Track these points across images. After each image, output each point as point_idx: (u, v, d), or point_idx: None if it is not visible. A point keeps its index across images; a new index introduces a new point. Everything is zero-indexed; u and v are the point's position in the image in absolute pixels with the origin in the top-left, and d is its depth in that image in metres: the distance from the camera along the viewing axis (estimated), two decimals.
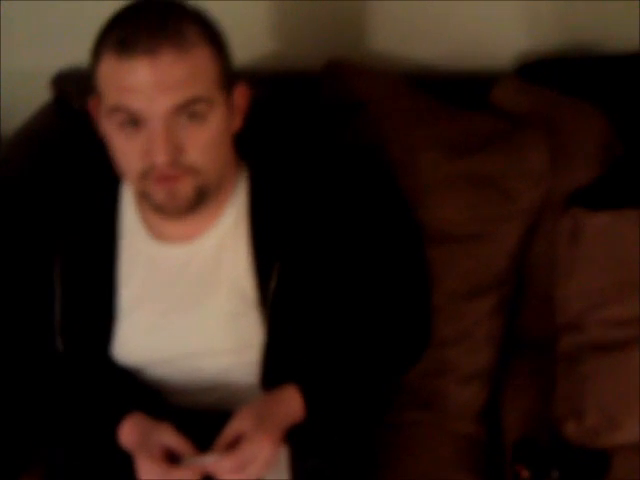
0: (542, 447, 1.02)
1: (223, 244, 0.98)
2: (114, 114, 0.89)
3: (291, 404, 0.94)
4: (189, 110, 0.87)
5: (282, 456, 0.94)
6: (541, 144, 1.09)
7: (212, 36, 0.90)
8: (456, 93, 1.22)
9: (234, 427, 0.90)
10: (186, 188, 0.91)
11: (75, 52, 1.40)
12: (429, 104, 1.18)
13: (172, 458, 0.90)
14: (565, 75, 1.19)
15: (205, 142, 0.90)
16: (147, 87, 0.85)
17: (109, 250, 1.00)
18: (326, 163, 1.02)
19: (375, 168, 1.07)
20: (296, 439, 0.95)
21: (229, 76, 0.92)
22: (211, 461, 0.89)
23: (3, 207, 1.15)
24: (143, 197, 0.94)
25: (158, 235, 1.00)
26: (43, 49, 1.42)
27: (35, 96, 1.42)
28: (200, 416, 1.00)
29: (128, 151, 0.90)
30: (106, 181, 1.02)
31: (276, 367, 0.99)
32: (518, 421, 1.09)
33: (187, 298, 0.99)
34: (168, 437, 0.90)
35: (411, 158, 1.12)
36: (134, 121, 0.88)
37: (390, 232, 1.03)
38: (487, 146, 1.11)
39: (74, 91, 1.38)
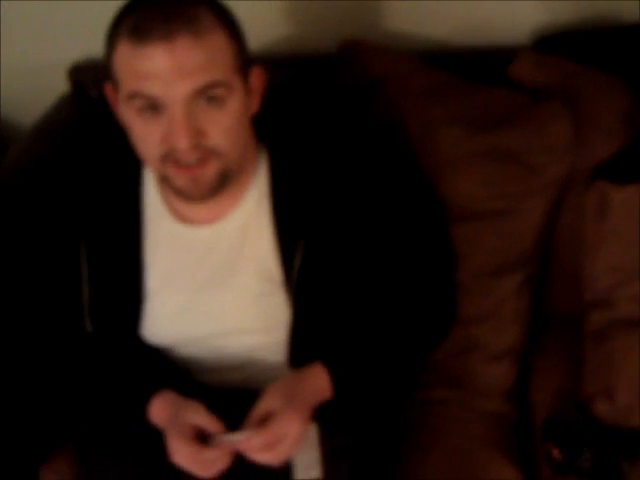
0: (573, 426, 1.00)
1: (247, 225, 0.98)
2: (132, 100, 0.88)
3: (318, 382, 0.94)
4: (208, 94, 0.87)
5: (311, 434, 0.93)
6: (564, 117, 1.06)
7: (227, 21, 0.89)
8: (473, 69, 1.20)
9: (263, 405, 0.90)
10: (209, 172, 0.90)
11: (91, 43, 1.41)
12: (447, 80, 1.16)
13: (202, 437, 0.90)
14: (584, 47, 1.16)
15: (225, 125, 0.89)
16: (164, 73, 0.85)
17: (134, 233, 1.00)
18: (346, 142, 1.01)
19: (395, 146, 1.06)
20: (324, 417, 0.94)
21: (245, 60, 0.92)
22: (241, 439, 0.88)
23: (28, 195, 1.16)
24: (164, 181, 0.93)
25: (182, 218, 1.00)
26: (59, 41, 1.42)
27: (53, 88, 1.42)
28: (228, 394, 1.01)
29: (147, 136, 0.90)
30: (128, 166, 1.01)
31: (303, 345, 0.99)
32: (547, 399, 1.07)
33: (213, 279, 0.99)
34: (198, 416, 0.90)
35: (431, 135, 1.10)
36: (153, 106, 0.87)
37: (412, 210, 1.02)
38: (508, 120, 1.08)
39: (91, 81, 1.39)
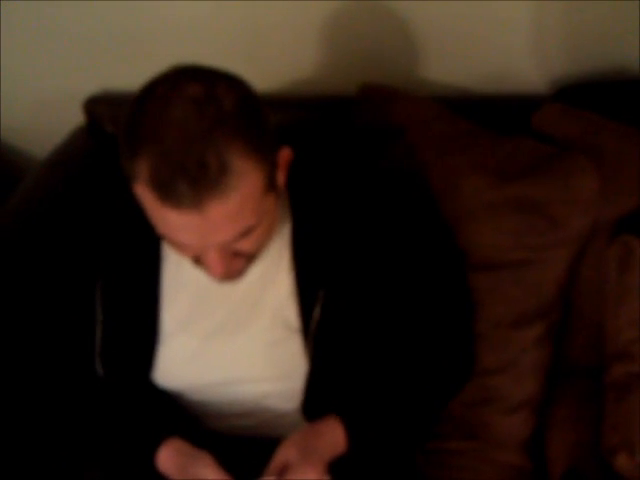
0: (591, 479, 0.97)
1: (267, 272, 0.95)
2: (161, 236, 0.84)
3: (334, 436, 0.90)
4: (241, 236, 0.82)
5: None
6: (589, 170, 1.04)
7: (255, 141, 0.78)
8: (492, 118, 1.17)
9: (279, 458, 0.87)
10: (240, 267, 0.88)
11: (107, 76, 1.40)
12: (467, 128, 1.14)
13: None
14: (603, 99, 1.14)
15: (256, 240, 0.85)
16: (196, 229, 0.79)
17: (152, 273, 0.96)
18: (367, 191, 0.97)
19: (416, 195, 1.03)
20: (338, 469, 0.90)
21: (274, 164, 0.83)
22: None
23: (41, 230, 1.13)
24: (194, 264, 0.89)
25: None
26: (75, 74, 1.41)
27: (68, 121, 1.40)
28: (238, 442, 0.97)
29: (178, 250, 0.86)
30: None
31: (318, 394, 0.95)
32: (564, 452, 1.03)
33: (230, 324, 0.96)
34: (208, 470, 0.86)
35: (453, 184, 1.08)
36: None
37: (432, 261, 0.99)
38: (532, 171, 1.06)
39: (106, 115, 1.38)
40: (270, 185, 0.83)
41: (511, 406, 1.07)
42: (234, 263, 0.86)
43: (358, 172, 1.00)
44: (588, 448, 1.02)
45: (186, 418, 1.00)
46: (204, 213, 0.76)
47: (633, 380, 0.98)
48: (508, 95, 1.25)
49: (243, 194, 0.78)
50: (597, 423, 1.01)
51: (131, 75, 1.37)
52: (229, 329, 0.96)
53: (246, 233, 0.82)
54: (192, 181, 0.75)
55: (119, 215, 0.99)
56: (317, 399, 0.95)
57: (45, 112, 1.46)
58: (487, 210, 1.06)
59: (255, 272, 0.94)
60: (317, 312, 0.93)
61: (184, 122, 0.75)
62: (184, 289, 0.96)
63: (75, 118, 1.39)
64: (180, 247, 0.84)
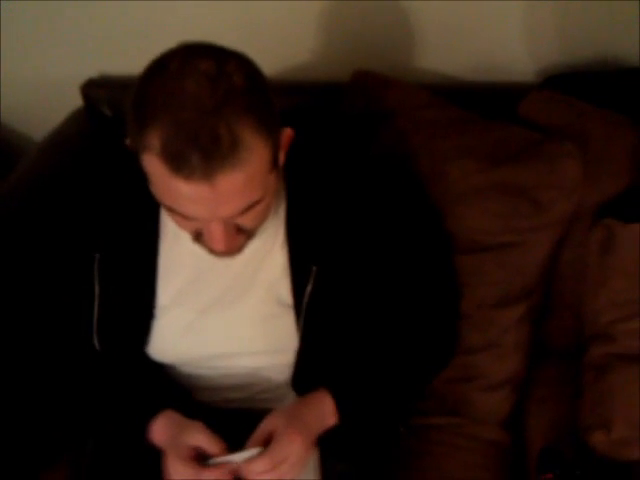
0: (567, 457, 0.99)
1: (262, 249, 0.95)
2: (167, 208, 0.84)
3: (324, 409, 0.91)
4: (246, 209, 0.83)
5: (313, 460, 0.90)
6: (575, 155, 1.05)
7: (265, 119, 0.79)
8: (481, 105, 1.18)
9: (266, 426, 0.88)
10: (240, 242, 0.88)
11: (105, 60, 1.41)
12: (457, 114, 1.15)
13: (202, 458, 0.86)
14: (591, 88, 1.15)
15: (259, 214, 0.86)
16: (204, 201, 0.79)
17: (149, 248, 0.97)
18: (358, 173, 0.99)
19: (404, 178, 1.04)
20: (325, 443, 0.91)
21: (278, 141, 0.84)
22: (240, 459, 0.85)
23: (39, 208, 1.14)
24: (194, 242, 0.90)
25: None
26: (73, 57, 1.41)
27: (66, 103, 1.40)
28: (230, 414, 0.98)
29: (180, 223, 0.86)
30: (146, 184, 0.99)
31: (309, 369, 0.96)
32: (543, 429, 1.05)
33: (224, 299, 0.96)
34: (199, 437, 0.87)
35: (441, 168, 1.09)
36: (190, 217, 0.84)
37: (419, 242, 1.01)
38: (519, 156, 1.07)
39: (104, 98, 1.38)
40: (274, 162, 0.84)
41: (492, 384, 1.09)
42: (235, 238, 0.86)
43: (349, 155, 1.01)
44: (565, 426, 1.03)
45: (179, 390, 1.00)
46: (214, 185, 0.77)
47: (611, 360, 1.00)
48: (498, 83, 1.26)
49: (252, 168, 0.78)
50: (575, 402, 1.03)
51: (129, 59, 1.37)
52: (224, 303, 0.96)
53: (251, 207, 0.82)
54: (204, 153, 0.75)
55: (117, 192, 1.00)
56: (307, 373, 0.96)
57: (44, 95, 1.46)
58: (474, 194, 1.07)
59: (250, 248, 0.95)
60: (309, 288, 0.94)
61: (198, 95, 0.76)
62: (180, 264, 0.97)
63: (73, 101, 1.39)
64: (184, 220, 0.84)
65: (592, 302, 1.03)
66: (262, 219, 0.89)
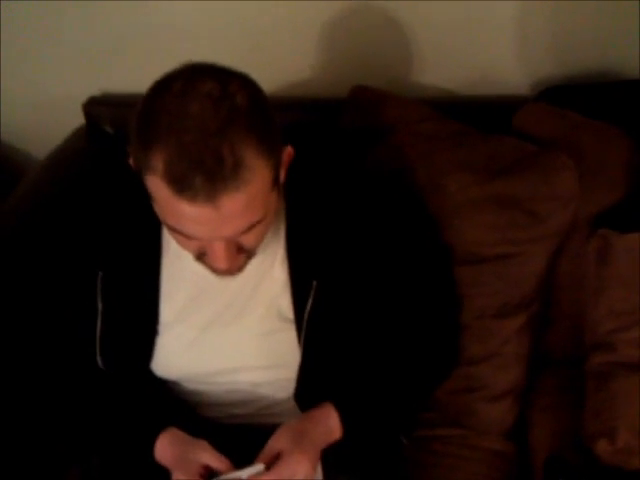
0: (574, 466, 0.98)
1: (262, 265, 0.96)
2: (170, 228, 0.84)
3: (329, 423, 0.91)
4: (248, 229, 0.83)
5: (318, 474, 0.90)
6: (570, 167, 1.06)
7: (266, 140, 0.79)
8: (478, 118, 1.19)
9: (273, 444, 0.88)
10: (241, 262, 0.89)
11: (107, 78, 1.41)
12: (454, 128, 1.16)
13: (209, 476, 0.87)
14: (585, 100, 1.16)
15: (260, 234, 0.87)
16: (208, 222, 0.79)
17: (152, 266, 0.97)
18: (356, 188, 0.99)
19: (402, 192, 1.04)
20: (329, 456, 0.91)
21: (279, 161, 0.84)
22: (246, 475, 0.85)
23: (42, 226, 1.14)
24: (196, 259, 0.90)
25: None
26: (75, 75, 1.42)
27: (68, 122, 1.41)
28: (234, 431, 0.98)
29: (182, 243, 0.87)
30: (148, 201, 0.99)
31: (311, 384, 0.96)
32: (547, 438, 1.05)
33: (226, 315, 0.97)
34: (206, 455, 0.87)
35: (438, 181, 1.09)
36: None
37: (419, 255, 1.01)
38: (515, 169, 1.08)
39: (106, 116, 1.38)
40: (275, 181, 0.84)
41: (494, 394, 1.09)
42: (237, 258, 0.87)
43: (347, 171, 1.02)
44: (569, 435, 1.03)
45: (183, 407, 1.01)
46: (218, 207, 0.77)
47: (613, 369, 1.00)
48: (494, 97, 1.27)
49: (255, 189, 0.78)
50: (577, 411, 1.02)
51: (131, 77, 1.38)
52: (225, 320, 0.97)
53: (253, 226, 0.83)
54: (208, 175, 0.75)
55: (119, 210, 1.00)
56: (310, 387, 0.96)
57: (45, 113, 1.47)
58: (471, 206, 1.07)
59: (251, 265, 0.95)
60: (310, 303, 0.94)
61: (201, 117, 0.76)
62: (183, 281, 0.97)
63: (75, 119, 1.40)
64: (187, 240, 0.84)
65: (591, 312, 1.03)
66: (263, 237, 0.89)
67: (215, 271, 0.89)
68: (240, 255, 0.87)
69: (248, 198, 0.79)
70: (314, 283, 0.94)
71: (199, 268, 0.91)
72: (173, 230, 0.84)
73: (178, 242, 0.87)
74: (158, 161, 0.77)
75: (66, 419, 1.00)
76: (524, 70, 1.28)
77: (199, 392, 1.00)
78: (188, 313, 0.97)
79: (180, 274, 0.97)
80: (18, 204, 1.27)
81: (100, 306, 0.97)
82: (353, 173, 1.02)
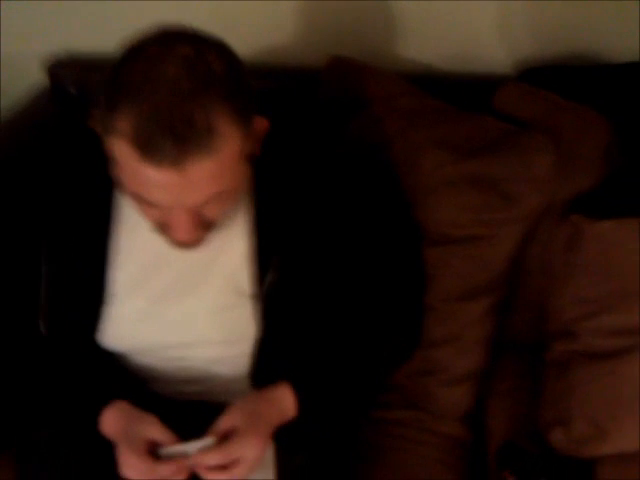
0: (528, 453, 0.97)
1: (221, 237, 0.91)
2: (131, 194, 0.80)
3: (284, 403, 0.89)
4: (213, 199, 0.80)
5: (268, 453, 0.88)
6: (548, 149, 1.03)
7: (240, 108, 0.77)
8: (456, 95, 1.16)
9: (225, 422, 0.85)
10: (202, 234, 0.85)
11: (69, 38, 1.36)
12: (433, 104, 1.12)
13: (155, 451, 0.83)
14: (566, 82, 1.13)
15: (224, 205, 0.83)
16: (172, 188, 0.76)
17: (102, 234, 0.93)
18: (327, 161, 0.96)
19: (375, 167, 1.01)
20: (282, 436, 0.89)
21: (252, 132, 0.81)
22: (194, 450, 0.82)
23: None
24: (156, 232, 0.86)
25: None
26: (36, 33, 1.36)
27: (26, 80, 1.36)
28: (185, 406, 0.95)
29: (143, 211, 0.83)
30: (105, 169, 0.92)
31: (267, 361, 0.94)
32: (503, 425, 1.03)
33: (179, 287, 0.93)
34: (153, 429, 0.84)
35: (414, 158, 1.06)
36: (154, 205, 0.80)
37: (386, 232, 0.98)
38: (492, 149, 1.05)
39: (70, 77, 1.34)
40: (247, 152, 0.81)
41: (453, 378, 1.07)
42: (198, 230, 0.83)
43: (320, 142, 0.99)
44: (526, 422, 1.02)
45: (132, 381, 0.97)
46: (184, 172, 0.74)
47: (573, 357, 0.98)
48: (474, 74, 1.23)
49: (225, 157, 0.76)
50: (535, 398, 1.01)
51: (95, 38, 1.35)
52: (179, 292, 0.93)
53: (218, 196, 0.80)
54: (177, 139, 0.73)
55: (73, 174, 0.95)
56: (265, 365, 0.94)
57: (5, 70, 1.41)
58: (446, 186, 1.04)
59: (211, 236, 0.91)
60: (270, 277, 0.91)
61: (175, 80, 0.74)
62: (137, 252, 0.93)
63: (36, 78, 1.35)
64: (148, 208, 0.81)
65: (556, 298, 1.01)
66: (227, 210, 0.85)
67: (174, 243, 0.85)
68: (202, 228, 0.84)
69: (216, 166, 0.76)
70: (276, 258, 0.91)
71: (154, 238, 0.87)
72: (135, 196, 0.80)
73: (138, 210, 0.83)
74: (126, 123, 0.74)
75: (7, 386, 0.95)
76: (506, 48, 1.24)
77: (150, 366, 0.97)
78: (140, 284, 0.93)
79: (134, 244, 0.93)
80: None
81: (44, 269, 0.93)
82: (327, 147, 0.98)
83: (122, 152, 0.76)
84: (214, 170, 0.76)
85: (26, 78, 1.36)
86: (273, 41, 1.30)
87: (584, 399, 0.96)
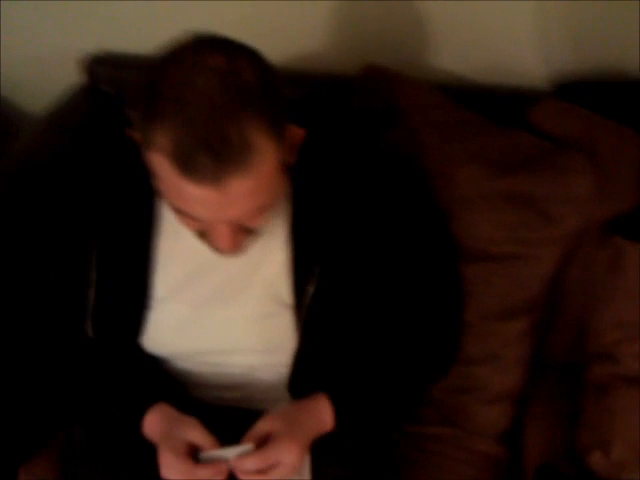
0: (566, 476, 0.97)
1: (263, 247, 0.93)
2: (172, 206, 0.81)
3: (322, 415, 0.89)
4: (254, 213, 0.81)
5: (305, 464, 0.88)
6: (587, 168, 1.02)
7: (275, 123, 0.77)
8: (489, 108, 1.15)
9: (263, 426, 0.85)
10: (245, 243, 0.86)
11: (105, 36, 1.36)
12: (467, 117, 1.12)
13: (196, 454, 0.85)
14: (603, 98, 1.11)
15: (265, 216, 0.84)
16: (213, 204, 0.77)
17: (148, 239, 0.94)
18: (365, 171, 0.96)
19: (412, 178, 1.01)
20: (318, 447, 0.89)
21: (283, 133, 0.80)
22: (234, 455, 0.83)
23: (38, 188, 1.10)
24: (198, 239, 0.87)
25: None
26: (73, 30, 1.37)
27: (62, 78, 1.37)
28: (224, 412, 0.96)
29: (184, 222, 0.84)
30: (148, 171, 0.95)
31: (305, 371, 0.94)
32: (540, 446, 1.03)
33: (221, 295, 0.94)
34: (194, 433, 0.85)
35: (449, 171, 1.05)
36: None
37: (425, 246, 0.98)
38: (530, 166, 1.04)
39: (106, 76, 1.34)
40: (284, 164, 0.81)
41: (491, 397, 1.06)
42: (240, 239, 0.84)
43: (357, 152, 0.99)
44: (563, 444, 1.01)
45: (174, 385, 0.98)
46: (223, 189, 0.75)
47: (614, 381, 0.98)
48: (508, 87, 1.22)
49: (263, 172, 0.76)
50: (573, 420, 1.01)
51: (130, 38, 1.34)
52: (220, 299, 0.94)
53: (259, 211, 0.80)
54: (215, 156, 0.73)
55: (116, 177, 0.97)
56: (303, 375, 0.94)
57: (43, 69, 1.42)
58: (481, 201, 1.04)
59: (252, 246, 0.92)
60: (310, 289, 0.91)
61: (208, 93, 0.73)
62: (180, 257, 0.94)
63: (73, 77, 1.35)
64: (189, 220, 0.82)
65: (597, 320, 1.01)
66: (268, 219, 0.86)
67: (217, 250, 0.86)
68: (243, 236, 0.84)
69: (256, 182, 0.76)
70: (317, 269, 0.91)
71: (197, 245, 0.88)
72: (175, 208, 0.81)
73: (180, 221, 0.84)
74: (164, 139, 0.74)
75: (52, 386, 0.97)
76: (541, 62, 1.22)
77: (190, 372, 0.98)
78: (183, 289, 0.94)
79: (177, 249, 0.94)
80: (13, 165, 1.22)
81: (93, 275, 0.94)
82: (364, 156, 0.98)
83: (162, 167, 0.77)
84: (252, 186, 0.76)
85: (62, 76, 1.37)
86: (306, 48, 1.30)
87: (625, 424, 0.95)
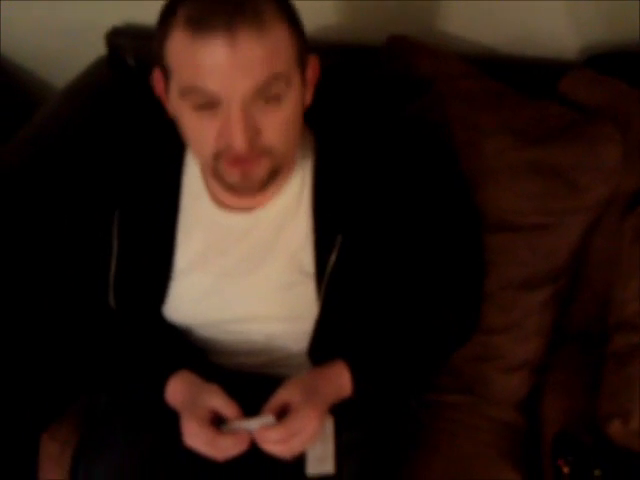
0: (583, 444, 0.97)
1: (285, 215, 0.93)
2: (188, 95, 0.82)
3: (340, 381, 0.89)
4: (267, 93, 0.81)
5: (328, 428, 0.89)
6: (615, 138, 1.01)
7: (289, 14, 0.83)
8: (519, 79, 1.14)
9: (282, 396, 0.86)
10: (261, 170, 0.85)
11: (130, 8, 1.36)
12: (494, 87, 1.10)
13: (218, 421, 0.85)
14: (634, 69, 1.09)
15: (282, 123, 0.84)
16: (225, 67, 0.78)
17: (170, 210, 0.94)
18: (391, 138, 0.95)
19: (439, 146, 1.01)
20: (340, 412, 0.90)
21: (304, 51, 0.86)
22: (256, 427, 0.84)
23: (58, 157, 1.10)
24: (215, 177, 0.88)
25: (220, 203, 0.95)
26: (98, 4, 1.36)
27: (88, 50, 1.37)
28: (245, 379, 0.97)
29: (202, 132, 0.84)
30: (169, 142, 0.94)
31: (326, 339, 0.94)
32: (558, 414, 1.03)
33: (243, 265, 0.94)
34: (217, 400, 0.85)
35: (476, 141, 1.04)
36: (210, 103, 0.81)
37: (449, 213, 0.98)
38: (557, 136, 1.03)
39: (129, 47, 1.34)
40: (301, 64, 0.84)
41: (510, 365, 1.07)
42: (256, 144, 0.83)
43: (383, 119, 0.98)
44: (581, 413, 1.01)
45: (195, 352, 0.99)
46: (235, 45, 0.77)
47: (634, 350, 0.97)
48: (537, 58, 1.21)
49: (274, 36, 0.79)
50: (592, 389, 1.00)
51: (152, 10, 1.34)
52: (243, 269, 0.94)
53: (272, 92, 0.81)
54: (228, 14, 0.77)
55: (139, 147, 0.97)
56: (324, 342, 0.94)
57: (65, 41, 1.42)
58: (508, 171, 1.03)
59: (273, 214, 0.93)
60: (333, 258, 0.91)
61: None
62: (200, 227, 0.94)
63: (95, 49, 1.36)
64: (206, 121, 0.82)
65: (620, 291, 1.00)
66: (285, 135, 0.85)
67: (233, 177, 0.85)
68: (259, 160, 0.84)
69: (266, 46, 0.79)
70: (339, 238, 0.91)
71: (218, 214, 0.88)
72: (190, 92, 0.81)
73: (194, 132, 0.85)
74: (180, 14, 0.79)
75: (75, 353, 0.98)
76: (571, 33, 1.20)
77: (212, 339, 0.98)
78: (205, 260, 0.94)
79: (197, 219, 0.94)
80: (35, 134, 1.22)
81: (115, 244, 0.94)
82: (389, 124, 0.98)
83: (176, 45, 0.80)
84: (264, 49, 0.79)
85: (85, 48, 1.37)
86: (332, 19, 1.28)
87: None
